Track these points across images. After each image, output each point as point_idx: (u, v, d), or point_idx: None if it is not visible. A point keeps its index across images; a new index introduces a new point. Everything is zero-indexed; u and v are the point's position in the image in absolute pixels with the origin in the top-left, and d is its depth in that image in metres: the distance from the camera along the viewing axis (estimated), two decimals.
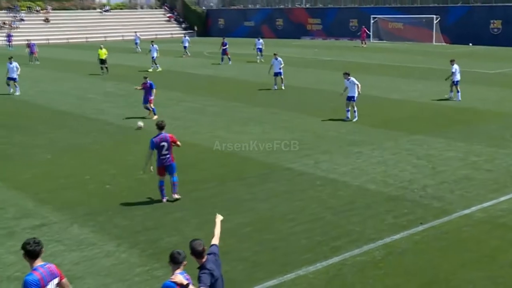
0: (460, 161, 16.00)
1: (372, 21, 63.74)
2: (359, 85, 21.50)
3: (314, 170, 15.31)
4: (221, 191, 13.79)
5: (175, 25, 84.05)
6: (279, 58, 29.64)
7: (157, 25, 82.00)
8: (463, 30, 57.74)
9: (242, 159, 16.49)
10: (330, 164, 15.89)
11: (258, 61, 42.70)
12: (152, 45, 40.08)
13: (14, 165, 16.44)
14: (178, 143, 12.98)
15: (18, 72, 29.27)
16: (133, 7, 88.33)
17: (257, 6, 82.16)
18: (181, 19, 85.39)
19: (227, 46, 42.78)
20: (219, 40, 47.69)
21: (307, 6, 75.62)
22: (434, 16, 59.76)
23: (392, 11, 64.61)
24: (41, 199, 13.41)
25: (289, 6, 77.85)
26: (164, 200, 13.08)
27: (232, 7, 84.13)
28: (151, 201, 13.14)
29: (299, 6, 76.45)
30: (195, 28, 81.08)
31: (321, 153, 16.99)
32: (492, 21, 56.89)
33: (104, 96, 28.58)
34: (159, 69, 38.91)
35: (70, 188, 14.26)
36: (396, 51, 51.76)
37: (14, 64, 29.08)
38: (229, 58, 42.60)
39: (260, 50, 43.59)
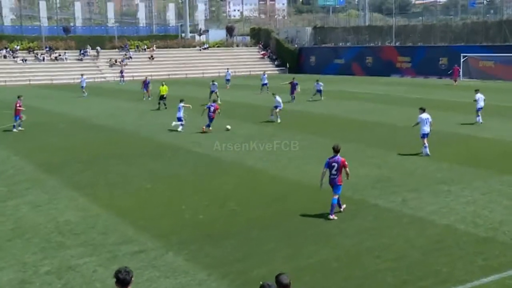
0: None
1: (462, 60, 61.94)
2: (431, 121, 21.82)
3: (401, 208, 14.92)
4: (310, 224, 13.66)
5: (268, 62, 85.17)
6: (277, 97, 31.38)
7: (251, 62, 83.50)
8: None
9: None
10: (418, 202, 15.42)
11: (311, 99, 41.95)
12: (213, 83, 41.89)
13: (117, 193, 17.02)
14: (347, 169, 14.22)
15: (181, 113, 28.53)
16: (229, 45, 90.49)
17: (348, 44, 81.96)
18: (274, 57, 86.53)
19: (296, 86, 42.15)
20: (311, 77, 47.86)
21: (397, 44, 74.75)
22: None
23: (483, 49, 62.66)
24: (140, 226, 13.77)
25: (379, 44, 77.23)
26: (331, 217, 14.03)
27: (324, 45, 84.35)
28: (241, 232, 13.20)
29: (388, 44, 75.69)
30: (287, 65, 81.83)
31: (408, 191, 16.54)
32: None
33: (200, 129, 29.09)
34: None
35: (166, 217, 14.56)
36: (487, 89, 49.35)
37: (181, 104, 28.84)
38: (292, 97, 41.77)
39: (320, 92, 42.66)
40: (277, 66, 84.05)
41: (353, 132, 27.69)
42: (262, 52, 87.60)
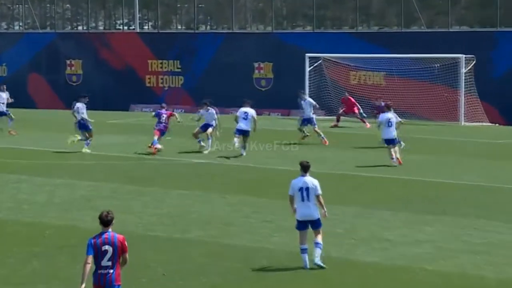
0: None
1: (308, 68, 51.26)
2: None
3: None
4: None
5: None
6: None
7: None
8: None
9: None
10: None
11: None
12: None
13: None
14: (127, 256, 14.71)
15: None
16: None
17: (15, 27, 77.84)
18: None
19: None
20: None
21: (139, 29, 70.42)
22: (463, 55, 49.66)
23: (354, 40, 56.54)
24: None
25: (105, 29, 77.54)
26: None
27: None
28: None
29: (130, 29, 72.96)
30: None
31: None
32: None
33: None
34: None
35: None
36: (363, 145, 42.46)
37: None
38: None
39: None
40: None
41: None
42: None
